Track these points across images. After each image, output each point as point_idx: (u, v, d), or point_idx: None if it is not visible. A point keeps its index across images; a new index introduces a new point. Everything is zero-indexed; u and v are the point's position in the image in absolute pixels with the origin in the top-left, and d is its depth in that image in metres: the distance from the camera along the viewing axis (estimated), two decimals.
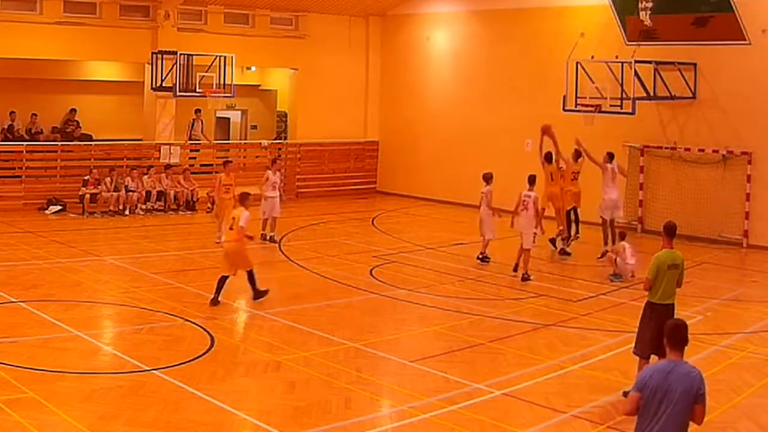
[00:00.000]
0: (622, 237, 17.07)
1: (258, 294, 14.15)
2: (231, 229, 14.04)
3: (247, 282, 14.11)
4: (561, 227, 18.97)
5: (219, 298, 13.85)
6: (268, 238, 19.44)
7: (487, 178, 17.88)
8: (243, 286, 15.49)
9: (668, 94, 20.94)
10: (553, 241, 19.04)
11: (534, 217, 16.67)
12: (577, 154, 19.04)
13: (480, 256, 17.92)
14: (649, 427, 6.35)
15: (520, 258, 16.63)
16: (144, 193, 23.18)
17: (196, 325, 12.69)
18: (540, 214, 16.97)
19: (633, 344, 10.52)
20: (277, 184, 19.66)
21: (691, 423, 6.43)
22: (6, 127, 24.27)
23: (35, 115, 24.87)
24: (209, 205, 22.55)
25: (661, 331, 10.20)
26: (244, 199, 14.33)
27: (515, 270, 16.69)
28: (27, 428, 8.65)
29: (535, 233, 16.81)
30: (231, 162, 20.46)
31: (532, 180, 17.10)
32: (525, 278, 16.39)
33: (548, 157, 18.76)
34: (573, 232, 19.19)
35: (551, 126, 18.77)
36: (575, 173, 18.95)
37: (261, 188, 19.44)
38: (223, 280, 13.89)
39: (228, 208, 18.18)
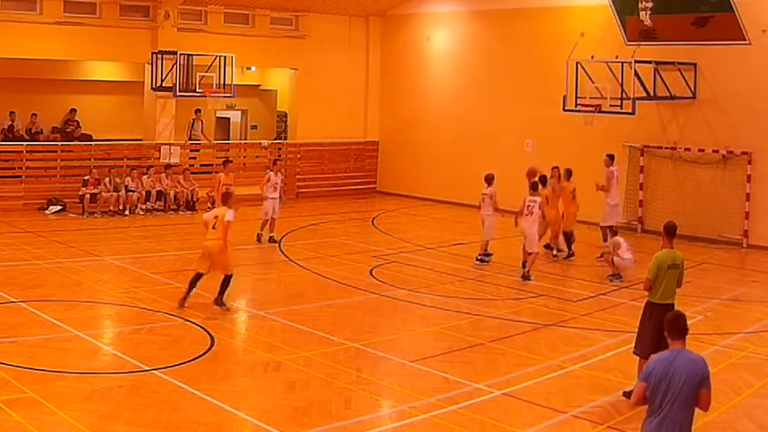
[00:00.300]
0: (615, 233, 17.03)
1: (220, 302, 13.41)
2: (213, 228, 13.43)
3: (219, 284, 13.39)
4: (560, 250, 18.68)
5: (188, 298, 13.47)
6: (268, 239, 19.38)
7: (489, 180, 17.89)
8: (244, 287, 15.54)
9: (668, 94, 20.94)
10: (548, 246, 18.95)
11: (540, 218, 16.94)
12: (569, 173, 18.64)
13: (479, 257, 17.94)
14: (656, 415, 6.52)
15: (527, 258, 16.73)
16: (144, 193, 23.19)
17: (196, 325, 12.69)
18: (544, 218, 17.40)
19: (633, 344, 10.54)
20: (278, 185, 19.53)
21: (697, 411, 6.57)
22: (6, 127, 24.27)
23: (35, 115, 24.86)
24: (209, 205, 22.52)
25: (662, 331, 10.28)
26: (227, 198, 13.88)
27: (524, 267, 16.78)
28: (27, 428, 8.65)
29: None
30: (231, 162, 20.14)
31: (534, 186, 17.09)
32: (525, 277, 16.45)
33: (543, 180, 18.16)
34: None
35: (535, 168, 18.62)
36: (573, 192, 18.51)
37: (262, 188, 19.39)
38: (196, 279, 13.47)
39: None
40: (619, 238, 16.69)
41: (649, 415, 6.62)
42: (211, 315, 13.25)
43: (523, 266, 16.69)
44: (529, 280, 16.38)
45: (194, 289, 13.51)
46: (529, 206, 16.76)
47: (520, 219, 16.87)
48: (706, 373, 6.55)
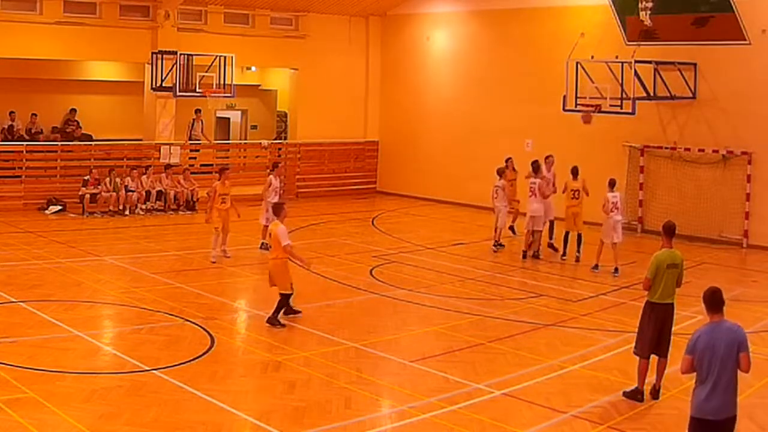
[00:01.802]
0: (612, 185, 17.44)
1: (274, 321, 12.79)
2: (269, 247, 12.88)
3: (276, 303, 12.88)
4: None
5: (279, 318, 12.89)
6: (267, 244, 18.93)
7: (500, 173, 19.12)
8: (245, 287, 15.55)
9: (668, 94, 20.94)
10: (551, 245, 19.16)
11: (542, 198, 18.19)
12: (575, 171, 18.41)
13: (495, 244, 19.16)
14: (706, 383, 7.22)
15: (529, 242, 18.39)
16: (144, 193, 23.18)
17: (196, 325, 12.69)
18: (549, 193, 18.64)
19: (633, 344, 10.55)
20: (278, 189, 19.19)
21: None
22: (6, 127, 24.26)
23: (35, 115, 24.86)
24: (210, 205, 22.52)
25: (661, 331, 10.35)
26: (279, 211, 13.44)
27: (525, 257, 18.37)
28: (27, 428, 8.65)
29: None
30: (227, 169, 18.78)
31: (536, 168, 18.41)
32: (536, 256, 18.26)
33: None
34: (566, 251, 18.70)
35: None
36: (574, 191, 18.26)
37: (265, 193, 18.65)
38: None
39: (225, 220, 17.33)
40: (608, 195, 17.27)
41: (699, 384, 7.30)
42: (211, 315, 13.25)
43: (524, 257, 18.34)
44: (539, 258, 18.16)
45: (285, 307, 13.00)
46: (530, 188, 18.26)
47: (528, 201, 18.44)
48: (743, 338, 7.33)
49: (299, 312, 13.23)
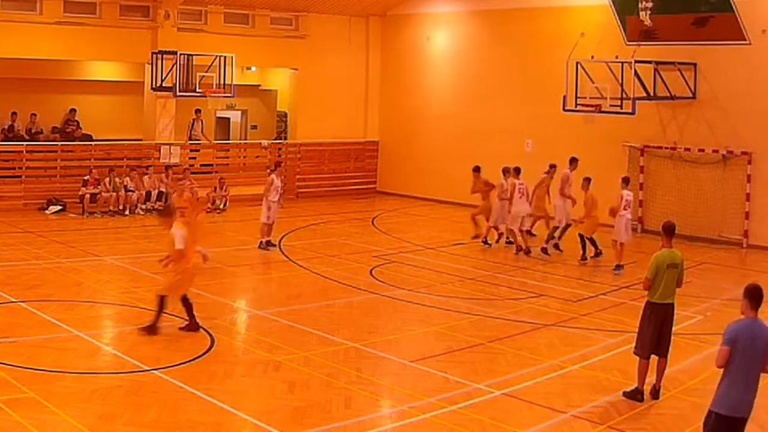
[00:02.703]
0: (626, 182, 17.91)
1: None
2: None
3: (186, 310, 12.31)
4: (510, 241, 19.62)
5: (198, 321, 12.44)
6: (266, 243, 18.88)
7: (503, 172, 19.41)
8: (245, 287, 15.53)
9: (668, 94, 20.94)
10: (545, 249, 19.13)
11: (527, 201, 18.87)
12: (587, 181, 18.28)
13: (507, 240, 19.67)
14: (741, 377, 7.22)
15: (518, 238, 18.97)
16: (144, 193, 23.17)
17: None
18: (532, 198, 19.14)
19: (633, 344, 10.55)
20: (279, 188, 19.15)
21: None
22: (6, 127, 24.25)
23: (35, 115, 24.85)
24: (209, 205, 22.59)
25: (661, 331, 10.34)
26: (171, 214, 12.45)
27: (518, 251, 18.92)
28: (27, 428, 8.65)
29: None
30: (183, 178, 16.57)
31: (518, 170, 19.01)
32: (528, 252, 18.67)
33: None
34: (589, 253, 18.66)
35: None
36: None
37: (266, 193, 18.53)
38: (188, 302, 12.38)
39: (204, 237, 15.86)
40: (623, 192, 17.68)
41: (732, 381, 7.26)
42: (211, 315, 13.24)
43: (517, 251, 18.88)
44: (530, 253, 18.61)
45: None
46: (520, 189, 18.76)
47: (514, 201, 18.83)
48: None
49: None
